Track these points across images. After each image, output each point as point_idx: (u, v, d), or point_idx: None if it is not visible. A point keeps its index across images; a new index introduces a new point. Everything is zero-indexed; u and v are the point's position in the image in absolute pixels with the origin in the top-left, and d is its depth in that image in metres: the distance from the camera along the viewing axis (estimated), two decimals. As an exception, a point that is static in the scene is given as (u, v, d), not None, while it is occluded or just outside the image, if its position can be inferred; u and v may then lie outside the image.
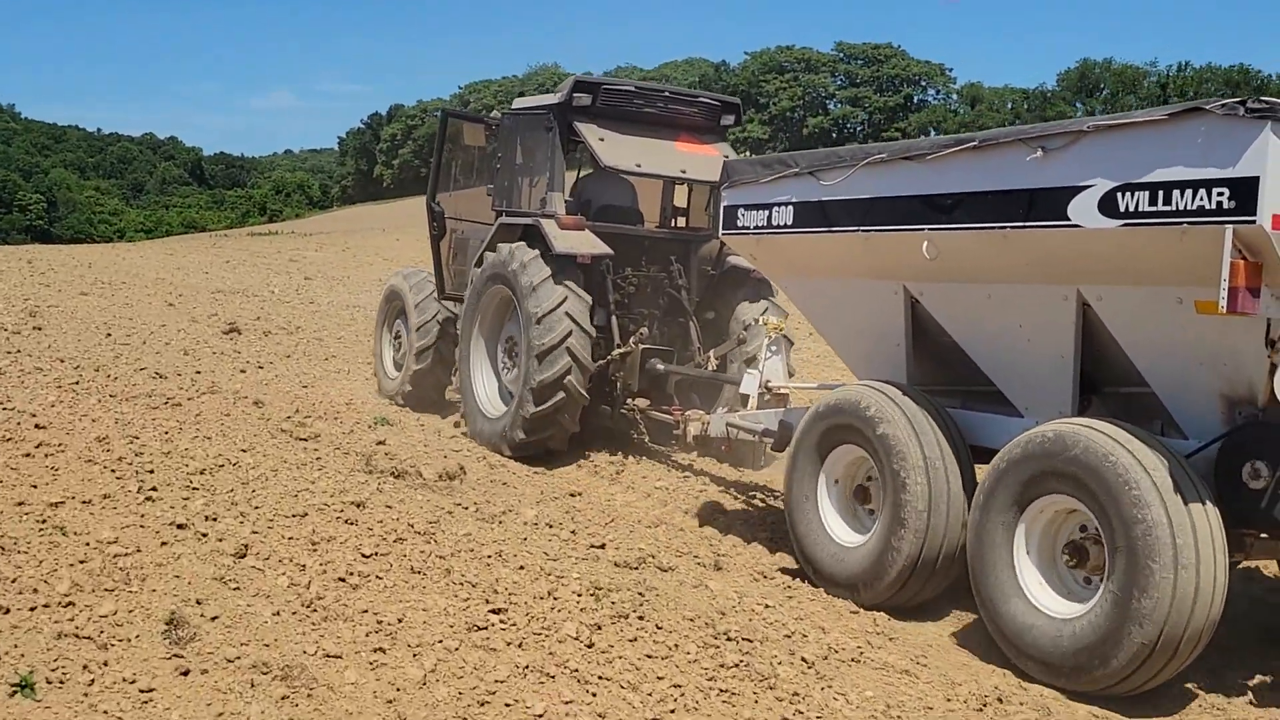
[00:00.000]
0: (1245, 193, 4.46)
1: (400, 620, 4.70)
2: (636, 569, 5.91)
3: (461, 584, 5.22)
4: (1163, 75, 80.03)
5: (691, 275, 10.19)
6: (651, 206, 10.89)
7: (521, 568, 5.51)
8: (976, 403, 6.40)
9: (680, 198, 11.04)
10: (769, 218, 6.92)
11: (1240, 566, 5.99)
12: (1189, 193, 4.66)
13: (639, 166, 9.64)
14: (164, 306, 16.89)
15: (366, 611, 4.75)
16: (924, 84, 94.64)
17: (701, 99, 10.40)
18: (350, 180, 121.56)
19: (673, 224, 10.90)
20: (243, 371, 11.74)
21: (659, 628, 4.95)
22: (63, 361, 10.60)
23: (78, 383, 9.09)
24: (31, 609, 4.31)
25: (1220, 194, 4.54)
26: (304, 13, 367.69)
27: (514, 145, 10.36)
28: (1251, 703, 5.17)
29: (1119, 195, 4.93)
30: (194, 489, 6.13)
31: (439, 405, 11.26)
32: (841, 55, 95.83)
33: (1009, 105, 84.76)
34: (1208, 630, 4.81)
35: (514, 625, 4.82)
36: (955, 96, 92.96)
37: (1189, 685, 5.25)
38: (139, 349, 12.41)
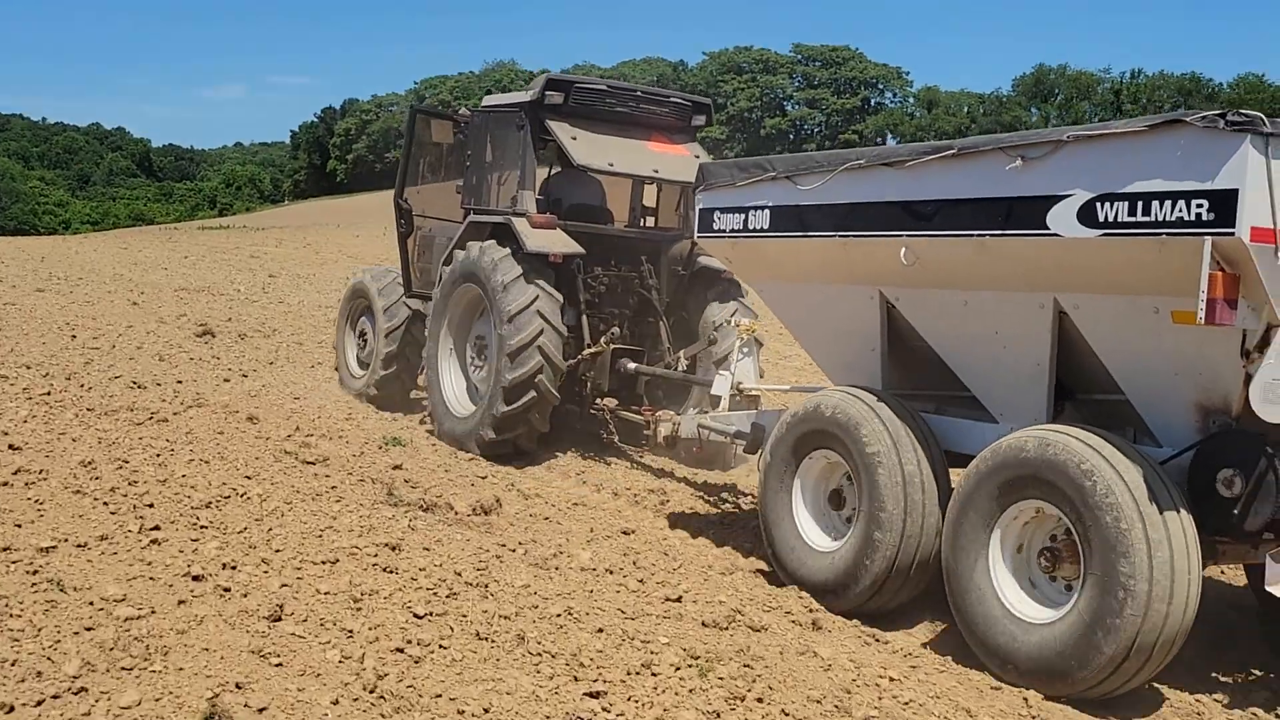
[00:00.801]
0: (1224, 205, 4.53)
1: (486, 711, 4.02)
2: (728, 630, 5.25)
3: (539, 654, 4.57)
4: (1116, 82, 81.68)
5: (662, 275, 10.19)
6: (620, 206, 10.88)
7: (600, 630, 4.91)
8: (950, 408, 6.44)
9: (649, 197, 11.05)
10: (745, 221, 6.92)
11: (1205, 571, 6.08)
12: (1168, 204, 4.72)
13: (612, 166, 9.63)
14: (128, 305, 16.06)
15: (441, 696, 4.09)
16: (881, 87, 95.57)
17: (673, 99, 10.41)
18: (303, 175, 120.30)
19: (641, 224, 10.91)
20: (226, 380, 10.93)
21: (785, 714, 4.38)
22: (29, 368, 9.81)
23: (49, 393, 8.40)
24: (39, 703, 3.62)
25: (1200, 206, 4.61)
26: (255, 3, 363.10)
27: (484, 143, 10.29)
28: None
29: (1098, 205, 4.99)
30: (202, 528, 5.49)
31: (405, 405, 11.15)
32: (799, 57, 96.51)
33: (965, 109, 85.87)
34: (1181, 635, 4.88)
35: (621, 716, 4.16)
36: (912, 100, 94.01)
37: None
38: (109, 354, 11.50)
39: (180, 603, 4.54)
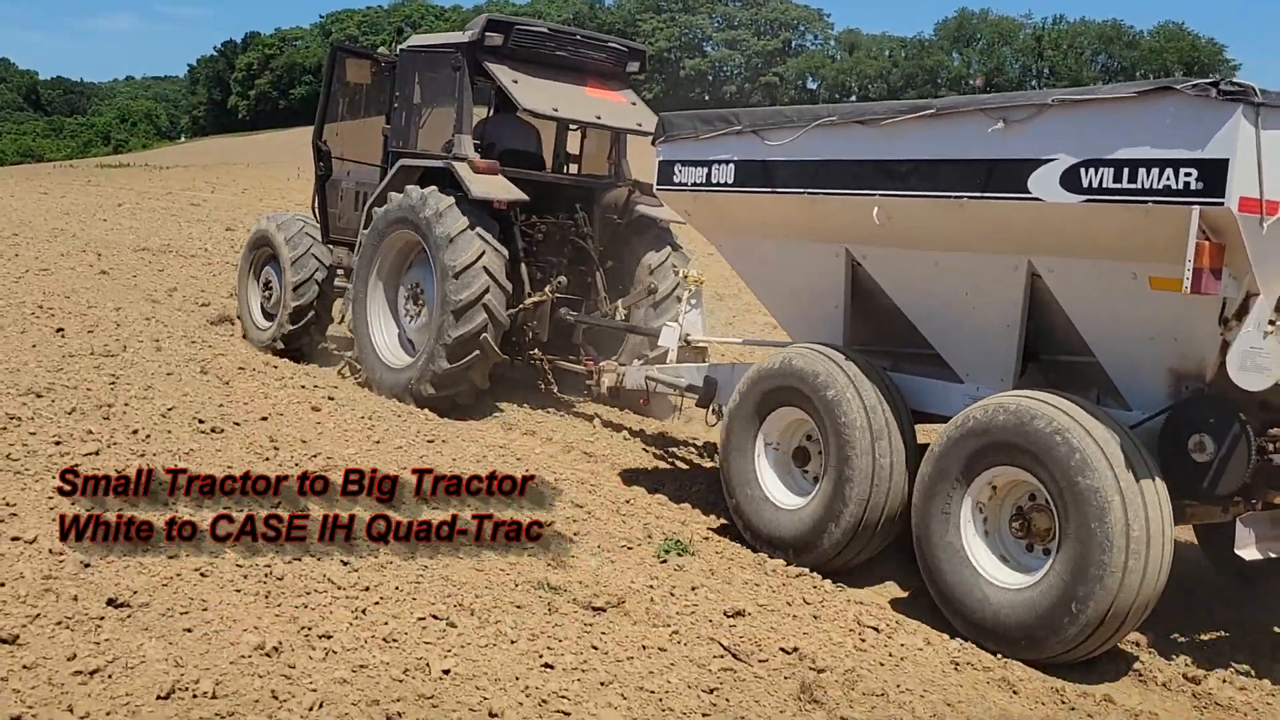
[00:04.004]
0: (1214, 175, 4.49)
1: None
2: None
3: None
4: (1038, 27, 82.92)
5: (595, 223, 10.01)
6: (548, 152, 10.65)
7: None
8: (913, 366, 6.40)
9: (572, 143, 10.84)
10: (708, 175, 6.76)
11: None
12: (1155, 172, 4.67)
13: (556, 111, 9.40)
14: (96, 275, 13.29)
15: None
16: (802, 29, 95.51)
17: (611, 44, 10.23)
18: (201, 111, 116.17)
19: (566, 170, 10.70)
20: (316, 410, 7.66)
21: None
22: (39, 396, 6.43)
23: (97, 452, 5.58)
24: None
25: (1188, 175, 4.56)
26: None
27: (413, 85, 9.94)
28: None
29: (1082, 171, 4.92)
30: None
31: (316, 356, 10.73)
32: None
33: (887, 53, 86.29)
34: (1154, 599, 4.93)
35: None
36: (833, 42, 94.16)
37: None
38: (129, 364, 7.84)
39: None
